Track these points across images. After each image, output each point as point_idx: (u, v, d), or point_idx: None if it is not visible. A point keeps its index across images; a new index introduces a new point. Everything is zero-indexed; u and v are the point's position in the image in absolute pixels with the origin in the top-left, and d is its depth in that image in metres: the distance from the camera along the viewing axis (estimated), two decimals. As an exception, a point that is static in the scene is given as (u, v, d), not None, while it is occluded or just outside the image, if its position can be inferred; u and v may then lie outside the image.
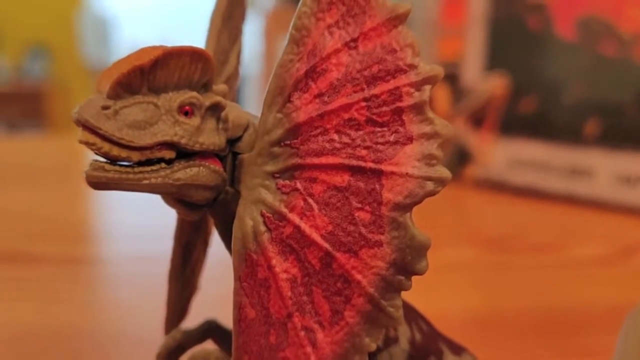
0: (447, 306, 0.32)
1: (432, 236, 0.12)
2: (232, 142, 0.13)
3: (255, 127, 0.13)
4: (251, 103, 2.93)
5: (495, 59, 0.54)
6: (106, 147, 0.12)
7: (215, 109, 0.13)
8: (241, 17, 0.16)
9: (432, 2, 0.55)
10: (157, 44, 0.13)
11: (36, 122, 3.81)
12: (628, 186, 0.48)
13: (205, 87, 0.13)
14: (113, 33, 4.04)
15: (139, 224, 0.45)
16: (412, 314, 0.17)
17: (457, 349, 0.18)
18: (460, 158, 0.56)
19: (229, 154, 0.13)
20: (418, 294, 0.37)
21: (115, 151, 0.12)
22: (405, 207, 0.12)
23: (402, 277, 0.12)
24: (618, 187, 0.49)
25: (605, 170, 0.49)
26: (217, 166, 0.13)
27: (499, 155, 0.54)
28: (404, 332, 0.15)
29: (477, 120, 0.55)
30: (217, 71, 0.15)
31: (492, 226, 0.46)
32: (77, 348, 0.26)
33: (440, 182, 0.12)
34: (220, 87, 0.14)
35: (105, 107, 0.12)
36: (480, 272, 0.37)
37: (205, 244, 0.17)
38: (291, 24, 0.13)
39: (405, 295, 0.12)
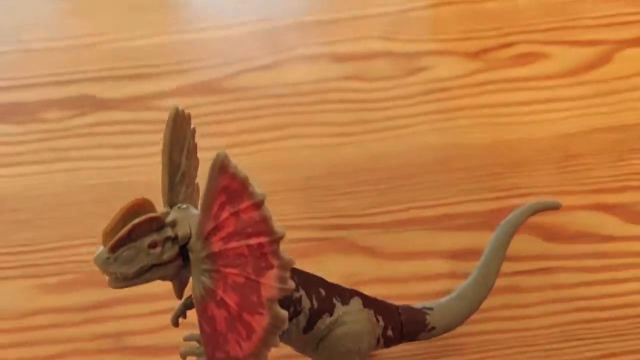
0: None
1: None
2: (183, 244, 0.21)
3: (196, 232, 0.21)
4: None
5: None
6: (113, 277, 0.21)
7: (169, 238, 0.21)
8: (192, 136, 0.23)
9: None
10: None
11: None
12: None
13: (159, 229, 0.21)
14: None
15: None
16: (313, 287, 0.23)
17: (347, 299, 0.24)
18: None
19: (184, 250, 0.21)
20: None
21: (117, 279, 0.21)
22: (273, 301, 0.20)
23: (277, 331, 0.21)
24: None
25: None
26: (178, 262, 0.21)
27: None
28: (305, 304, 0.23)
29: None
30: (172, 184, 0.22)
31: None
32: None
33: (287, 291, 0.20)
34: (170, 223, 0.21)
35: (107, 258, 0.20)
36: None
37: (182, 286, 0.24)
38: (200, 202, 0.21)
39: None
